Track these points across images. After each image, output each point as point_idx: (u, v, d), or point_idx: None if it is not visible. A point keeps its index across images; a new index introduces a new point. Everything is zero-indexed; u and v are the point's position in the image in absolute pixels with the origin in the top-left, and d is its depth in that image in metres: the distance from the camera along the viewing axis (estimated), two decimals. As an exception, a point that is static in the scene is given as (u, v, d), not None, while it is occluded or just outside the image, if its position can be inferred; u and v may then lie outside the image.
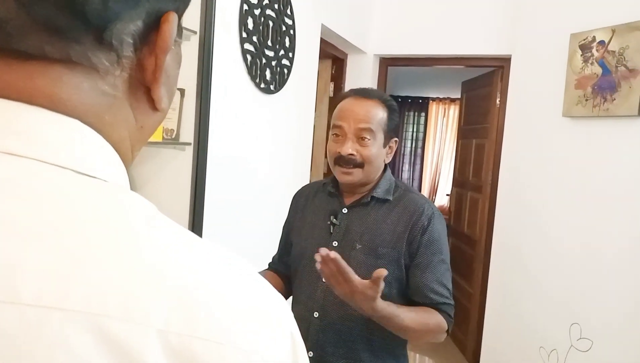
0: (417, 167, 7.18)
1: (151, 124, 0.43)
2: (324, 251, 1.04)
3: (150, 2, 0.38)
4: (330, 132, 1.31)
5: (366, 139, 1.24)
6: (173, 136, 1.57)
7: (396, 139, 1.34)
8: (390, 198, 1.29)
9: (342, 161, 1.25)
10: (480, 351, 3.19)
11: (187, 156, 1.58)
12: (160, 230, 0.35)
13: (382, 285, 1.04)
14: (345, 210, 1.31)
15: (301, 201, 1.45)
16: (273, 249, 2.30)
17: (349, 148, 1.24)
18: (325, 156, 3.51)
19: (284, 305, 0.38)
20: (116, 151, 0.39)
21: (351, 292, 1.06)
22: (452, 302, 1.26)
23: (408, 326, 1.16)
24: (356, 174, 1.25)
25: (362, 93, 1.30)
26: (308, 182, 2.71)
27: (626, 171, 2.24)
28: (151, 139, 1.49)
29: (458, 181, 4.07)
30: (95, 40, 0.36)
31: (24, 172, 0.33)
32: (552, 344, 2.56)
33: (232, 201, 1.99)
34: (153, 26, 0.39)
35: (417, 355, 3.75)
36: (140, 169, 1.65)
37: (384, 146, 1.29)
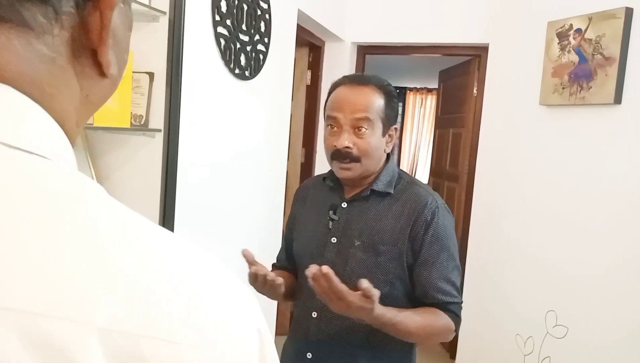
0: (395, 157, 7.20)
1: (99, 93, 0.38)
2: (314, 267, 0.99)
3: None
4: (324, 124, 1.24)
5: (363, 130, 1.16)
6: (142, 122, 1.50)
7: (396, 127, 1.26)
8: (392, 191, 1.22)
9: (339, 155, 1.18)
10: (457, 339, 3.20)
11: (157, 143, 1.51)
12: (107, 216, 0.30)
13: (377, 294, 1.00)
14: (344, 205, 1.25)
15: (302, 196, 1.38)
16: (247, 238, 2.25)
17: (345, 141, 1.16)
18: (303, 146, 3.46)
19: (251, 300, 0.34)
20: (59, 124, 0.34)
21: (347, 307, 1.01)
22: (460, 300, 1.20)
23: (411, 331, 1.12)
24: (355, 169, 1.18)
25: (356, 80, 1.22)
26: (285, 173, 2.67)
27: (601, 159, 2.26)
28: (119, 125, 1.42)
29: (435, 171, 4.07)
30: None
31: None
32: (529, 331, 2.58)
33: (204, 191, 1.92)
34: None
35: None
36: (108, 157, 1.57)
37: (383, 135, 1.21)
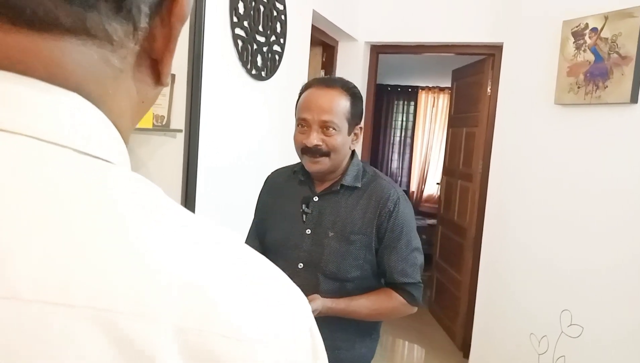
0: (407, 156, 7.18)
1: (151, 98, 0.40)
2: None
3: None
4: (295, 123, 1.34)
5: (331, 129, 1.27)
6: (163, 123, 1.54)
7: (361, 126, 1.37)
8: (359, 184, 1.34)
9: (309, 151, 1.28)
10: (471, 338, 3.21)
11: (178, 142, 1.55)
12: (170, 219, 0.32)
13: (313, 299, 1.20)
14: (316, 198, 1.35)
15: (273, 187, 1.49)
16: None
17: (314, 139, 1.27)
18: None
19: (303, 299, 0.35)
20: (117, 128, 0.36)
21: None
22: (415, 281, 1.33)
23: (362, 313, 1.28)
24: (324, 163, 1.29)
25: (324, 83, 1.33)
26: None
27: (617, 158, 2.25)
28: (141, 126, 1.45)
29: (448, 170, 4.07)
30: (114, 8, 0.32)
31: (16, 150, 0.29)
32: (543, 331, 2.58)
33: (223, 188, 1.95)
34: None
35: (407, 342, 3.77)
36: (130, 156, 1.60)
37: (349, 134, 1.32)
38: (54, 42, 0.31)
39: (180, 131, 1.54)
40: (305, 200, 1.35)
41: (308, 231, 1.33)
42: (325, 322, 1.26)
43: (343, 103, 1.29)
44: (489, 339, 3.02)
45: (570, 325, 2.43)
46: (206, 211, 1.76)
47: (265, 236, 1.43)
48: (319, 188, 1.36)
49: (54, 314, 0.25)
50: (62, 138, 0.31)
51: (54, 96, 0.31)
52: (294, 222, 1.35)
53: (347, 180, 1.33)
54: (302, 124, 1.30)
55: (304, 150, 1.29)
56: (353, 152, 1.39)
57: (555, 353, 2.50)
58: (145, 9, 0.34)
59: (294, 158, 2.63)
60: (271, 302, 0.32)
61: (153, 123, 1.51)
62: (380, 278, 1.37)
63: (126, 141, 0.38)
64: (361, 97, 1.36)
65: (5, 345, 0.25)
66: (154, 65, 0.37)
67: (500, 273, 2.94)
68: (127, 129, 0.38)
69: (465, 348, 3.36)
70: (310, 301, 1.17)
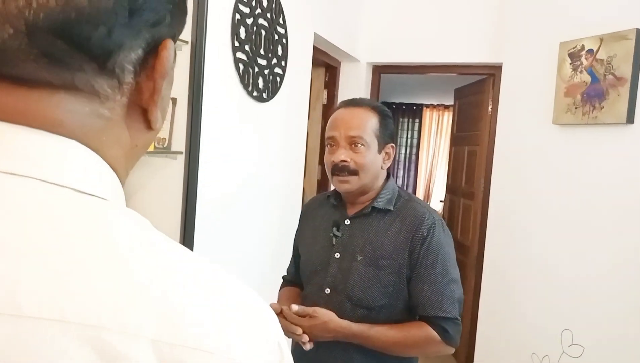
0: (412, 173, 7.21)
1: (145, 142, 0.45)
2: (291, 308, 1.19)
3: (150, 31, 0.39)
4: (325, 145, 1.32)
5: (359, 146, 1.23)
6: (165, 145, 1.58)
7: (392, 145, 1.33)
8: (392, 208, 1.27)
9: (337, 169, 1.24)
10: (474, 357, 3.19)
11: (178, 164, 1.59)
12: (151, 246, 0.36)
13: (316, 310, 1.18)
14: (347, 221, 1.30)
15: (307, 213, 1.46)
16: (266, 256, 2.31)
17: (341, 155, 1.23)
18: (319, 163, 3.53)
19: (272, 316, 0.39)
20: (112, 168, 0.40)
21: (309, 326, 1.17)
22: (452, 316, 1.20)
23: (385, 343, 1.19)
24: (353, 182, 1.25)
25: (352, 102, 1.31)
26: (301, 190, 2.73)
27: (614, 178, 2.27)
28: (143, 148, 1.50)
29: (451, 188, 4.09)
30: (98, 68, 0.37)
31: (22, 190, 0.34)
32: (544, 350, 2.57)
33: (224, 210, 1.99)
34: (152, 52, 0.40)
35: (411, 361, 3.75)
36: (131, 178, 1.64)
37: (379, 152, 1.28)
38: (48, 97, 0.36)
39: (180, 153, 1.58)
40: (336, 224, 1.30)
41: (337, 255, 1.28)
42: (343, 349, 1.22)
43: (371, 120, 1.26)
44: (492, 357, 3.00)
45: (572, 344, 2.42)
46: (205, 230, 1.80)
47: (299, 262, 1.42)
48: (351, 212, 1.31)
49: (49, 329, 0.30)
50: (61, 178, 0.35)
51: (55, 143, 0.36)
52: (324, 246, 1.31)
53: (380, 203, 1.27)
54: (331, 143, 1.27)
55: (333, 170, 1.25)
56: (389, 175, 1.34)
57: (557, 373, 2.49)
58: (129, 66, 0.39)
59: (297, 177, 2.68)
60: (241, 318, 0.36)
61: (155, 145, 1.56)
62: (413, 313, 1.25)
63: (122, 180, 0.43)
64: (391, 116, 1.32)
65: (6, 357, 0.29)
66: (145, 113, 0.42)
67: (501, 291, 2.94)
68: (122, 170, 0.43)
69: (468, 367, 3.34)
70: (318, 314, 1.17)
